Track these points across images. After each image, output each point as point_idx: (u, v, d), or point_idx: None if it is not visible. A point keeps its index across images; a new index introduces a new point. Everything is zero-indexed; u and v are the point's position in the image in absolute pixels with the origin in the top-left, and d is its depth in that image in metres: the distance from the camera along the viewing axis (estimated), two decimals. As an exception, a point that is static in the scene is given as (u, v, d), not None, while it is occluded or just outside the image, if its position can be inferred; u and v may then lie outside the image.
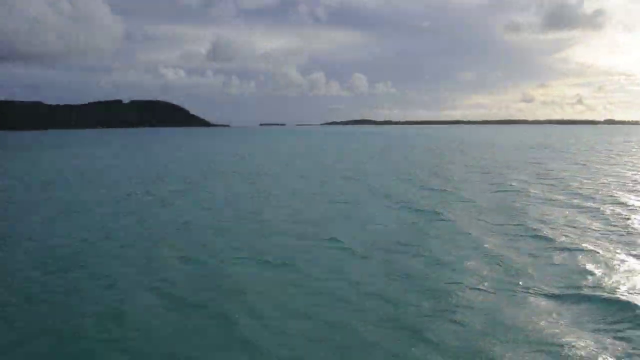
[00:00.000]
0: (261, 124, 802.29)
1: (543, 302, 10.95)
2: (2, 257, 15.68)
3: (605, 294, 11.23)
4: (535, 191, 27.16)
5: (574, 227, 18.13)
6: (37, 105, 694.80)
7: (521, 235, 16.90)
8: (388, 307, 10.84)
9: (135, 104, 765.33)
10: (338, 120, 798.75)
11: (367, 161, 52.78)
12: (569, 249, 14.96)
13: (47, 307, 11.39)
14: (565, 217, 20.01)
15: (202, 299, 11.67)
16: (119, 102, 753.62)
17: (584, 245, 15.38)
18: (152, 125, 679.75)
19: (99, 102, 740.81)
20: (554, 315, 10.27)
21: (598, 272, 12.87)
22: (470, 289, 11.84)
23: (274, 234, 17.92)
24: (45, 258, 15.28)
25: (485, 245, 15.59)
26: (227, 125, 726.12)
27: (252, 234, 18.04)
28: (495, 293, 11.54)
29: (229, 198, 27.03)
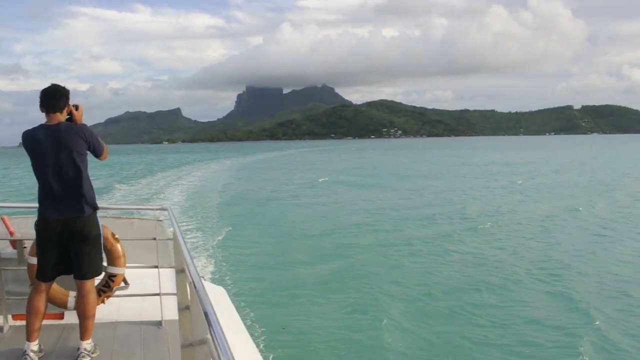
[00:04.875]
0: None
1: None
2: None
3: None
4: None
5: None
6: (491, 113, 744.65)
7: None
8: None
9: (587, 109, 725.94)
10: None
11: None
12: None
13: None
14: None
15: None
16: (570, 107, 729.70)
17: None
18: (603, 132, 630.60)
19: (549, 109, 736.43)
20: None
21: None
22: None
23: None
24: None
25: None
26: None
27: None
28: None
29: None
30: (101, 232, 4.33)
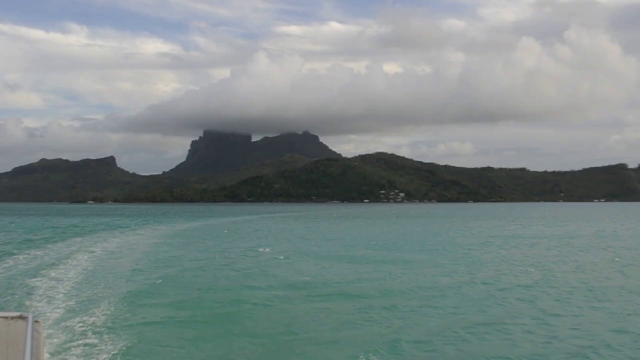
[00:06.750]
0: None
1: None
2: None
3: None
4: None
5: None
6: (521, 172, 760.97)
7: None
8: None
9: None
10: None
11: None
12: None
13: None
14: None
15: None
16: (623, 166, 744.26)
17: None
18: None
19: (596, 168, 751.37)
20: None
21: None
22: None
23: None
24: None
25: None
26: None
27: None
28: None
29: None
30: None
